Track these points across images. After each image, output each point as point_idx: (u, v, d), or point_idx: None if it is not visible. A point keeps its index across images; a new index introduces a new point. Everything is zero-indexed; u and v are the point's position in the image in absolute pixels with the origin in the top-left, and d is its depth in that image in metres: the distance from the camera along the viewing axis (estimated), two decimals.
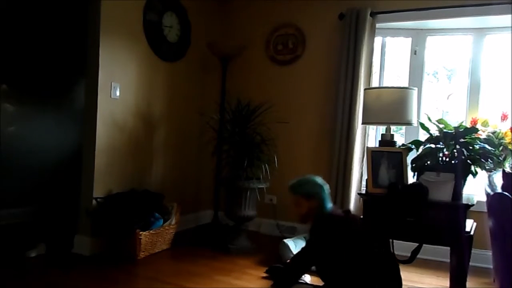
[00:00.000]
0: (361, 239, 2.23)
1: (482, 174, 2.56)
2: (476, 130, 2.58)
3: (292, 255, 2.92)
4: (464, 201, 2.48)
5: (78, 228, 3.12)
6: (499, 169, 2.51)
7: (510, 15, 3.02)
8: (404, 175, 2.63)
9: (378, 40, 3.62)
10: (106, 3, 3.02)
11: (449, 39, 3.65)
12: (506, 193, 2.06)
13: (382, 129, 3.40)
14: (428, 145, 2.64)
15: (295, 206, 2.39)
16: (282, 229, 3.79)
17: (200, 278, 2.68)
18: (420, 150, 2.69)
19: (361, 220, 2.49)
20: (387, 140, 2.83)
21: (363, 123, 3.04)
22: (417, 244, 2.47)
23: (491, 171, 2.50)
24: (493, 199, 2.17)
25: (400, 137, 3.53)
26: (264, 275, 2.79)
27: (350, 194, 3.43)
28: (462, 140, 2.51)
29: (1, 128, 3.77)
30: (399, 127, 3.51)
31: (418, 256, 2.42)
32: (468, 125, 2.77)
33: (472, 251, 2.53)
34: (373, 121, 2.91)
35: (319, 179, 2.40)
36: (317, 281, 2.61)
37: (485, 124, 2.76)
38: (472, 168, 2.52)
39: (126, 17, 3.21)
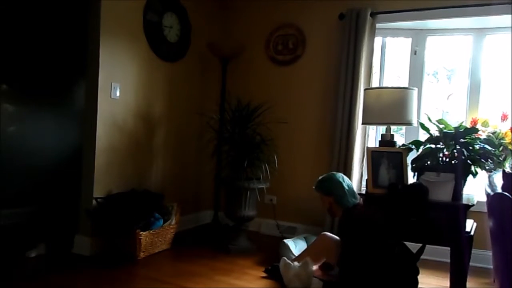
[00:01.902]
0: (379, 235, 2.34)
1: (482, 174, 2.57)
2: (476, 130, 2.59)
3: (292, 256, 2.93)
4: (464, 201, 2.48)
5: (78, 228, 3.12)
6: (499, 169, 2.51)
7: (510, 15, 3.02)
8: (404, 175, 2.63)
9: (378, 40, 3.62)
10: (106, 3, 3.02)
11: (449, 39, 3.65)
12: (506, 193, 2.06)
13: (382, 129, 3.40)
14: (428, 145, 2.64)
15: (321, 202, 2.73)
16: (282, 229, 3.79)
17: (200, 278, 2.68)
18: (420, 150, 2.69)
19: (383, 215, 2.50)
20: (387, 140, 2.83)
21: (363, 123, 3.04)
22: (419, 244, 2.47)
23: (491, 171, 2.51)
24: (493, 199, 2.18)
25: (400, 137, 3.53)
26: (264, 275, 2.79)
27: None
28: (462, 140, 2.52)
29: (1, 128, 3.77)
30: (399, 127, 3.51)
31: None
32: (468, 125, 2.77)
33: (472, 251, 2.53)
34: (373, 121, 2.91)
35: (339, 176, 2.68)
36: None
37: (485, 124, 2.76)
38: (472, 168, 2.52)
39: (126, 17, 3.21)
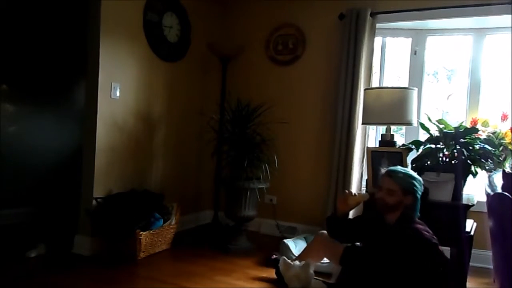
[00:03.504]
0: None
1: (482, 174, 2.57)
2: (476, 130, 2.59)
3: (292, 256, 2.92)
4: (464, 201, 2.48)
5: (78, 228, 3.12)
6: (499, 169, 2.51)
7: (510, 15, 3.02)
8: None
9: (378, 40, 3.62)
10: (106, 3, 3.01)
11: (449, 39, 3.65)
12: (506, 193, 2.06)
13: (382, 129, 3.40)
14: (428, 145, 2.65)
15: (386, 192, 2.17)
16: (282, 229, 3.79)
17: (200, 278, 2.68)
18: (420, 150, 2.69)
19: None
20: (387, 140, 2.84)
21: (363, 123, 3.04)
22: None
23: (491, 171, 2.51)
24: (493, 199, 2.18)
25: (400, 137, 3.53)
26: (265, 275, 2.78)
27: None
28: (462, 140, 2.52)
29: (1, 128, 3.77)
30: (399, 127, 3.51)
31: None
32: (468, 125, 2.77)
33: (472, 251, 2.53)
34: (373, 121, 2.92)
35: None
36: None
37: (485, 124, 2.76)
38: (472, 168, 2.52)
39: (126, 17, 3.21)
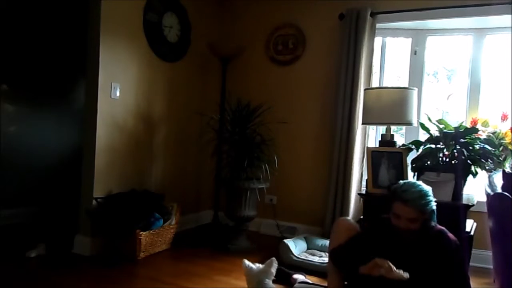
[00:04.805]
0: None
1: (482, 174, 2.57)
2: (476, 130, 2.59)
3: (292, 256, 2.92)
4: (464, 201, 2.48)
5: (78, 228, 3.12)
6: (499, 169, 2.51)
7: (510, 15, 3.02)
8: (404, 175, 2.63)
9: (378, 41, 3.62)
10: (106, 3, 3.02)
11: (449, 39, 3.64)
12: (506, 193, 2.06)
13: (382, 129, 3.40)
14: (428, 145, 2.64)
15: (408, 221, 1.95)
16: (282, 229, 3.79)
17: (200, 278, 2.68)
18: (420, 150, 2.69)
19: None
20: (387, 140, 2.84)
21: (363, 123, 3.04)
22: None
23: (491, 171, 2.51)
24: (493, 199, 2.18)
25: (400, 137, 3.53)
26: None
27: (350, 194, 3.43)
28: (462, 140, 2.52)
29: (1, 128, 3.77)
30: (399, 127, 3.51)
31: None
32: (468, 125, 2.77)
33: (472, 251, 2.53)
34: (373, 121, 2.91)
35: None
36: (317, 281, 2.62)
37: (485, 124, 2.76)
38: (472, 168, 2.52)
39: (126, 17, 3.21)
